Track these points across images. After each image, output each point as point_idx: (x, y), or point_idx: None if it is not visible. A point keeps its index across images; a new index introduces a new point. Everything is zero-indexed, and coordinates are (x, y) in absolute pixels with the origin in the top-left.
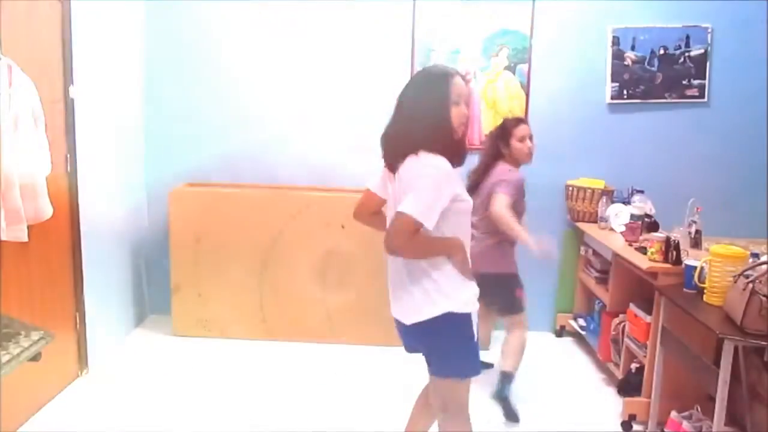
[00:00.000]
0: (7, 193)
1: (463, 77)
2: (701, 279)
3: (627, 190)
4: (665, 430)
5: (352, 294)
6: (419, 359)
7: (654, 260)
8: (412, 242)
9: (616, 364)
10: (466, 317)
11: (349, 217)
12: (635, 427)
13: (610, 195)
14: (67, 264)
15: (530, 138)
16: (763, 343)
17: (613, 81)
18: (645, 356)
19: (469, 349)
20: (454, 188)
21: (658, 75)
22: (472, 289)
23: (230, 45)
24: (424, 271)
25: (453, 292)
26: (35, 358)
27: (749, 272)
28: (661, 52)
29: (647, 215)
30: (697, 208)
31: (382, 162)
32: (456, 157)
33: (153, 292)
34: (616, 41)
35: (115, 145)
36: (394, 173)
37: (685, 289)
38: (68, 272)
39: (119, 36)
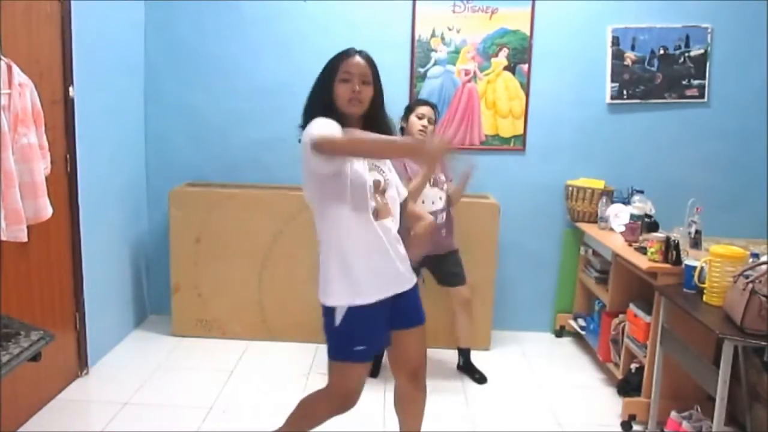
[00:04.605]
0: (7, 193)
1: (366, 56)
2: (701, 279)
3: (627, 190)
4: (665, 430)
5: None
6: None
7: (654, 260)
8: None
9: (616, 364)
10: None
11: None
12: (635, 427)
13: (610, 195)
14: (67, 264)
15: (429, 120)
16: (763, 343)
17: (612, 81)
18: (645, 356)
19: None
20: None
21: (658, 75)
22: None
23: (230, 44)
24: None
25: None
26: (35, 358)
27: (749, 272)
28: (661, 52)
29: (647, 215)
30: (697, 208)
31: None
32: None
33: (153, 292)
34: (615, 41)
35: (115, 145)
36: None
37: (684, 289)
38: (68, 272)
39: (119, 36)
